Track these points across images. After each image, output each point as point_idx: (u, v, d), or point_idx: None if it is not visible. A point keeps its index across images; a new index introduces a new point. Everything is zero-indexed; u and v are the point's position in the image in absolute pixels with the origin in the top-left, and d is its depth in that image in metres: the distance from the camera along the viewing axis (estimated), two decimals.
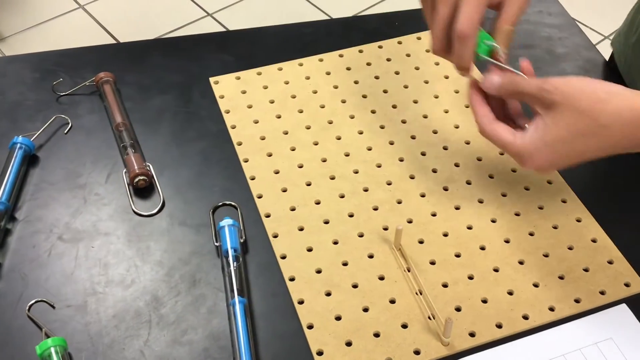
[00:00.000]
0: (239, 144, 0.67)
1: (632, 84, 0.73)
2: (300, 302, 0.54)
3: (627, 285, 0.55)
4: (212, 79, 0.73)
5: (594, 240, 0.58)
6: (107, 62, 0.73)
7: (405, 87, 0.72)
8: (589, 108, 0.49)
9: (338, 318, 0.53)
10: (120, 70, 0.71)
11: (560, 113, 0.50)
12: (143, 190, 0.61)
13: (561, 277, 0.56)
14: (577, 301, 0.54)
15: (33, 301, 0.53)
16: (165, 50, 0.75)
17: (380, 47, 0.77)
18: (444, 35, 0.55)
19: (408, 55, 0.76)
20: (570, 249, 0.58)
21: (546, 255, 0.57)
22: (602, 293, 0.55)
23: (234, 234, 0.57)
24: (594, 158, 0.51)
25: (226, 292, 0.54)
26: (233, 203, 0.61)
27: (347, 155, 0.65)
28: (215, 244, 0.57)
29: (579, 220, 0.60)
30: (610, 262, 0.57)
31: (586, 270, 0.56)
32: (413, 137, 0.67)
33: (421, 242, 0.58)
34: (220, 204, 0.61)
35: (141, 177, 0.61)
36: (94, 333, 0.52)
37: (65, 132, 0.66)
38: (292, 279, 0.56)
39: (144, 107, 0.69)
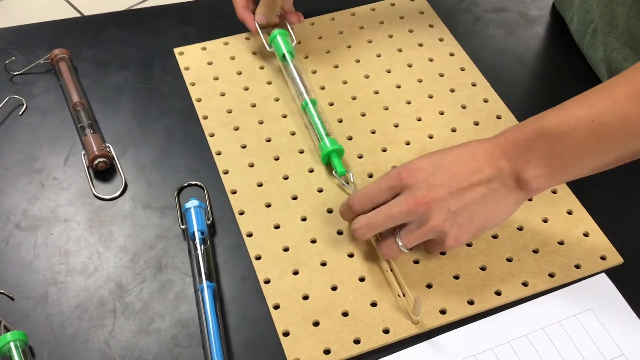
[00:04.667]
0: (205, 117, 0.64)
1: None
2: (267, 282, 0.53)
3: (602, 258, 0.54)
4: (176, 50, 0.70)
5: (569, 212, 0.57)
6: (62, 38, 0.69)
7: (378, 56, 0.70)
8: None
9: (305, 297, 0.52)
10: (76, 47, 0.68)
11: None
12: (104, 172, 0.59)
13: (535, 251, 0.54)
14: (551, 275, 0.53)
15: None
16: (124, 23, 0.72)
17: (352, 14, 0.74)
18: None
19: (381, 22, 0.73)
20: (544, 221, 0.56)
21: (520, 229, 0.56)
22: (577, 267, 0.53)
23: (201, 215, 0.55)
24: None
25: (194, 277, 0.52)
26: (199, 183, 0.58)
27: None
28: (181, 227, 0.55)
29: (554, 192, 0.58)
30: (586, 235, 0.55)
31: (561, 243, 0.55)
32: (385, 109, 0.65)
33: None
34: (185, 184, 0.58)
35: (101, 159, 0.58)
36: (56, 325, 0.50)
37: (20, 113, 0.64)
38: (258, 258, 0.54)
39: (103, 85, 0.66)
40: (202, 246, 0.53)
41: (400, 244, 0.50)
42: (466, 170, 0.49)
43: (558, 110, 0.48)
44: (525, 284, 0.52)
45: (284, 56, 0.66)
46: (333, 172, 0.58)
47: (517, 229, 0.56)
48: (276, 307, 0.51)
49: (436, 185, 0.48)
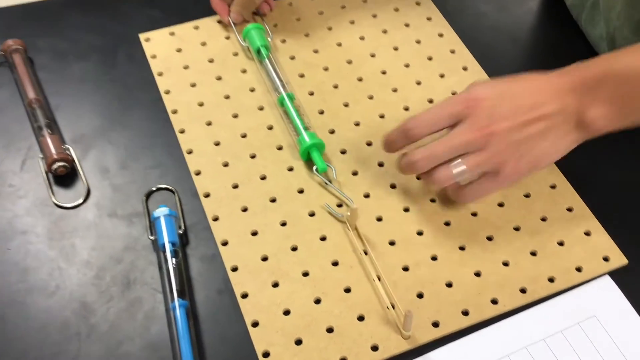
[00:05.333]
0: (174, 112, 0.59)
1: None
2: (244, 296, 0.48)
3: (606, 259, 0.50)
4: (142, 36, 0.64)
5: (569, 209, 0.53)
6: (15, 27, 0.63)
7: (362, 38, 0.65)
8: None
9: (286, 312, 0.47)
10: (31, 36, 0.62)
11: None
12: (64, 177, 0.54)
13: (533, 254, 0.50)
14: (551, 280, 0.49)
15: None
16: (83, 8, 0.66)
17: None
18: None
19: (364, 0, 0.67)
20: (543, 220, 0.52)
21: (517, 229, 0.52)
22: (579, 270, 0.50)
23: (171, 224, 0.50)
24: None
25: (165, 294, 0.47)
26: (169, 187, 0.54)
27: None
28: (150, 237, 0.50)
29: (553, 187, 0.54)
30: (587, 234, 0.52)
31: (561, 244, 0.51)
32: (370, 97, 0.60)
33: (379, 219, 0.52)
34: (154, 188, 0.54)
35: (60, 164, 0.53)
36: (15, 352, 0.46)
37: None
38: (234, 269, 0.50)
39: (61, 78, 0.61)
40: (174, 259, 0.49)
41: (455, 171, 0.48)
42: (531, 103, 0.48)
43: (628, 52, 0.48)
44: (523, 291, 0.49)
45: (258, 50, 0.60)
46: (314, 169, 0.54)
47: (514, 229, 0.52)
48: (255, 324, 0.47)
49: (499, 116, 0.48)
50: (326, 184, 0.54)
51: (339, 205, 0.53)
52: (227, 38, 0.64)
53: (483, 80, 0.51)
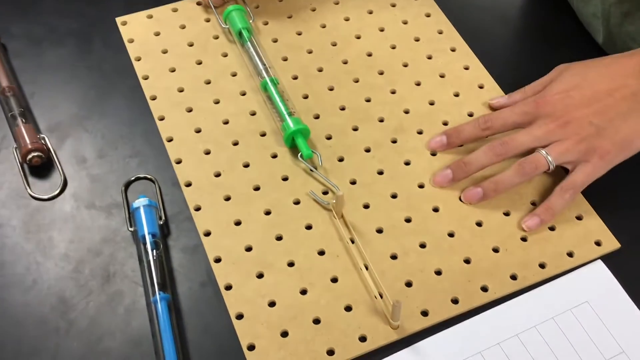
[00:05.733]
0: (153, 98, 0.57)
1: None
2: (228, 288, 0.47)
3: (597, 244, 0.49)
4: (118, 20, 0.62)
5: None
6: None
7: (347, 19, 0.63)
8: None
9: (272, 304, 0.46)
10: (4, 22, 0.60)
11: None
12: (39, 168, 0.52)
13: (524, 239, 0.49)
14: (542, 266, 0.48)
15: None
16: None
17: None
18: None
19: None
20: (533, 204, 0.51)
21: (507, 214, 0.51)
22: (570, 255, 0.49)
23: (151, 215, 0.48)
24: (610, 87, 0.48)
25: (145, 287, 0.46)
26: (149, 176, 0.52)
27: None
28: (130, 229, 0.49)
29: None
30: (579, 218, 0.50)
31: (552, 229, 0.50)
32: (356, 81, 0.58)
33: (366, 206, 0.51)
34: (133, 178, 0.52)
35: (35, 154, 0.51)
36: None
37: None
38: (217, 260, 0.48)
39: (36, 65, 0.58)
40: (154, 251, 0.47)
41: (549, 158, 0.48)
42: (609, 87, 0.48)
43: None
44: (514, 277, 0.47)
45: (240, 33, 0.58)
46: (298, 155, 0.52)
47: (504, 214, 0.51)
48: (239, 316, 0.46)
49: (575, 105, 0.48)
50: (311, 170, 0.52)
51: (325, 193, 0.52)
52: (207, 21, 0.62)
53: (557, 80, 0.51)
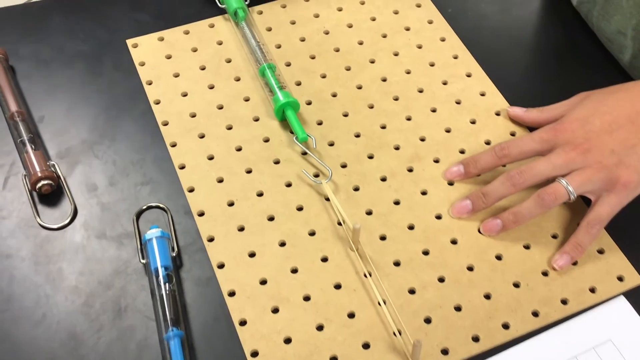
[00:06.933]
0: (165, 124, 0.56)
1: None
2: (242, 324, 0.46)
3: (620, 279, 0.48)
4: (129, 42, 0.61)
5: None
6: None
7: (360, 43, 0.62)
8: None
9: (287, 341, 0.45)
10: (12, 42, 0.59)
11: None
12: (49, 196, 0.51)
13: (545, 274, 0.48)
14: (564, 302, 0.47)
15: None
16: (66, 11, 0.62)
17: None
18: None
19: (362, 3, 0.65)
20: (554, 237, 0.50)
21: (527, 247, 0.50)
22: (592, 291, 0.48)
23: (164, 247, 0.47)
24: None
25: (158, 323, 0.45)
26: (161, 205, 0.51)
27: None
28: (142, 261, 0.47)
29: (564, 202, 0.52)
30: (600, 252, 0.49)
31: (574, 263, 0.49)
32: (371, 107, 0.57)
33: (383, 238, 0.50)
34: (145, 207, 0.51)
35: (45, 182, 0.50)
36: None
37: None
38: (231, 294, 0.47)
39: (45, 87, 0.57)
40: (167, 284, 0.46)
41: (570, 188, 0.47)
42: (630, 112, 0.48)
43: None
44: (535, 314, 0.46)
45: (235, 13, 0.59)
46: (294, 138, 0.52)
47: (524, 247, 0.50)
48: (254, 354, 0.44)
49: (595, 131, 0.47)
50: (327, 199, 0.51)
51: (339, 224, 0.50)
52: (220, 44, 0.61)
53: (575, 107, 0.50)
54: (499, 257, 0.49)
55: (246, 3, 0.61)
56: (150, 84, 0.58)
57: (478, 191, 0.50)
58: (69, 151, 0.54)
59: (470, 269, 0.48)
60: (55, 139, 0.55)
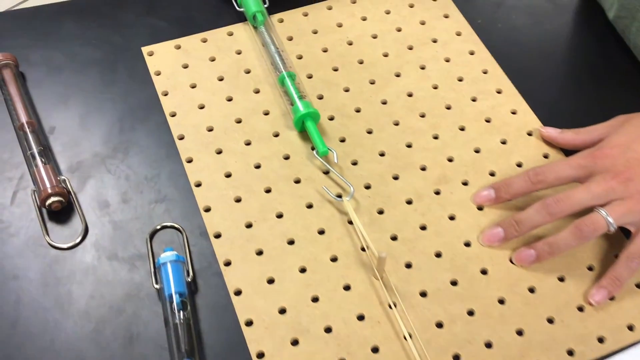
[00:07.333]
0: (181, 138, 0.53)
1: None
2: (260, 356, 0.43)
3: None
4: (145, 49, 0.58)
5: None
6: (3, 37, 0.57)
7: (385, 55, 0.59)
8: None
9: None
10: (22, 47, 0.56)
11: None
12: (59, 213, 0.49)
13: (580, 309, 0.46)
14: (600, 340, 0.44)
15: None
16: (79, 15, 0.60)
17: (353, 1, 0.62)
18: None
19: (387, 12, 0.62)
20: (590, 269, 0.47)
21: (562, 279, 0.47)
22: (630, 328, 0.45)
23: (179, 272, 0.45)
24: None
25: (171, 353, 0.42)
26: (175, 225, 0.48)
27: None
28: (155, 286, 0.45)
29: None
30: (638, 286, 0.47)
31: (611, 298, 0.46)
32: (396, 124, 0.55)
33: (408, 265, 0.47)
34: (159, 226, 0.48)
35: (55, 199, 0.48)
36: None
37: None
38: (249, 324, 0.45)
39: (56, 96, 0.55)
40: (182, 312, 0.44)
41: (610, 219, 0.44)
42: None
43: None
44: (570, 353, 0.44)
45: (254, 17, 0.56)
46: (314, 152, 0.50)
47: (558, 279, 0.47)
48: None
49: (637, 159, 0.45)
50: (349, 223, 0.49)
51: (363, 249, 0.48)
52: (239, 53, 0.59)
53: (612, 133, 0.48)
54: (531, 290, 0.46)
55: (265, 6, 0.58)
56: (166, 94, 0.56)
57: (510, 218, 0.47)
58: (80, 165, 0.52)
59: (501, 301, 0.46)
60: (67, 151, 0.52)
